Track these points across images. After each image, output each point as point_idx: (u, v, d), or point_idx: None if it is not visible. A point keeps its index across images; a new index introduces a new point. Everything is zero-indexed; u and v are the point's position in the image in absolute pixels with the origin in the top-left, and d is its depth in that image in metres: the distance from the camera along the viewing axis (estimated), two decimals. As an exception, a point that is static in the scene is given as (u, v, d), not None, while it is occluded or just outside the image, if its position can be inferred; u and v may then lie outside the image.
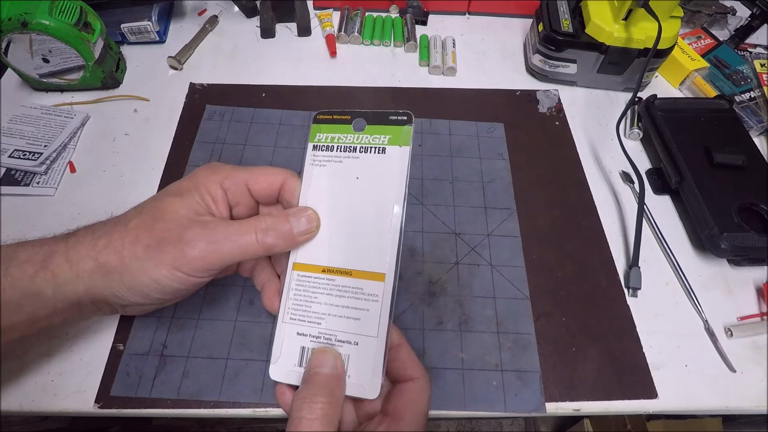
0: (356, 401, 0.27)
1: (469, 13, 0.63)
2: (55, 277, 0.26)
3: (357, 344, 0.26)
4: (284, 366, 0.27)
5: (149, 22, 0.53)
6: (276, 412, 0.33)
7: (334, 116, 0.30)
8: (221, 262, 0.27)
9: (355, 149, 0.29)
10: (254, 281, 0.32)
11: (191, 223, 0.27)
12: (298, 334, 0.27)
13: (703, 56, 0.56)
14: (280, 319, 0.28)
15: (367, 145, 0.29)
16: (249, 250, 0.27)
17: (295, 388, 0.27)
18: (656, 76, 0.57)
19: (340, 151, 0.29)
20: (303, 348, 0.27)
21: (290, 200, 0.29)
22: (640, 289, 0.39)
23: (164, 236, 0.26)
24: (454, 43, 0.57)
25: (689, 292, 0.39)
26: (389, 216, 0.27)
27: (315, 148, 0.29)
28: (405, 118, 0.28)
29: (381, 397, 0.27)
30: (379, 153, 0.28)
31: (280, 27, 0.58)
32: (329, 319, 0.27)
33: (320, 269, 0.28)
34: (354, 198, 0.28)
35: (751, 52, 0.58)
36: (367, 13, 0.60)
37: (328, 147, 0.29)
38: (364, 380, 0.26)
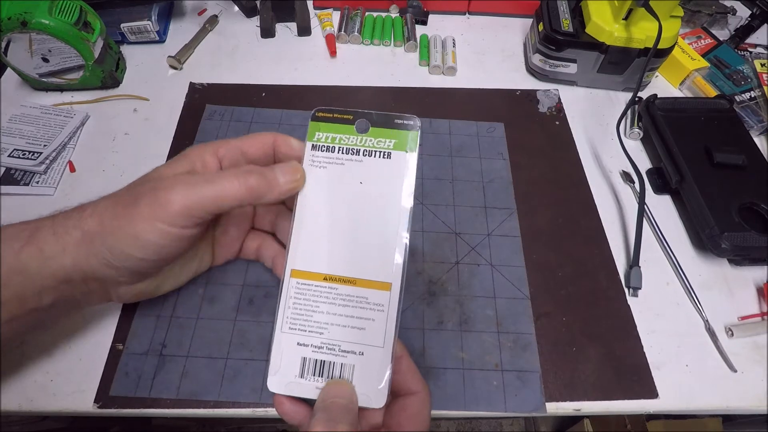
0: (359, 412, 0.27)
1: (469, 13, 0.63)
2: (41, 252, 0.25)
3: (362, 354, 0.26)
4: (284, 378, 0.26)
5: (149, 22, 0.53)
6: (276, 412, 0.32)
7: (335, 115, 0.28)
8: (202, 207, 0.26)
9: (358, 152, 0.27)
10: (263, 259, 0.32)
11: (173, 176, 0.27)
12: (298, 344, 0.26)
13: (703, 56, 0.56)
14: (278, 328, 0.26)
15: (371, 149, 0.27)
16: (230, 193, 0.26)
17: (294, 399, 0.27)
18: (656, 76, 0.57)
19: (342, 152, 0.28)
20: (304, 359, 0.26)
21: (287, 152, 0.29)
22: (640, 288, 0.39)
23: (142, 191, 0.26)
24: (454, 43, 0.57)
25: (690, 291, 0.39)
26: (396, 224, 0.26)
27: (314, 147, 0.28)
28: (411, 122, 0.27)
29: (383, 409, 0.27)
30: (384, 158, 0.27)
31: (280, 27, 0.58)
32: (332, 328, 0.26)
33: (321, 277, 0.27)
34: (357, 203, 0.27)
35: (751, 52, 0.58)
36: (367, 13, 0.60)
37: (328, 148, 0.28)
38: (370, 390, 0.25)
